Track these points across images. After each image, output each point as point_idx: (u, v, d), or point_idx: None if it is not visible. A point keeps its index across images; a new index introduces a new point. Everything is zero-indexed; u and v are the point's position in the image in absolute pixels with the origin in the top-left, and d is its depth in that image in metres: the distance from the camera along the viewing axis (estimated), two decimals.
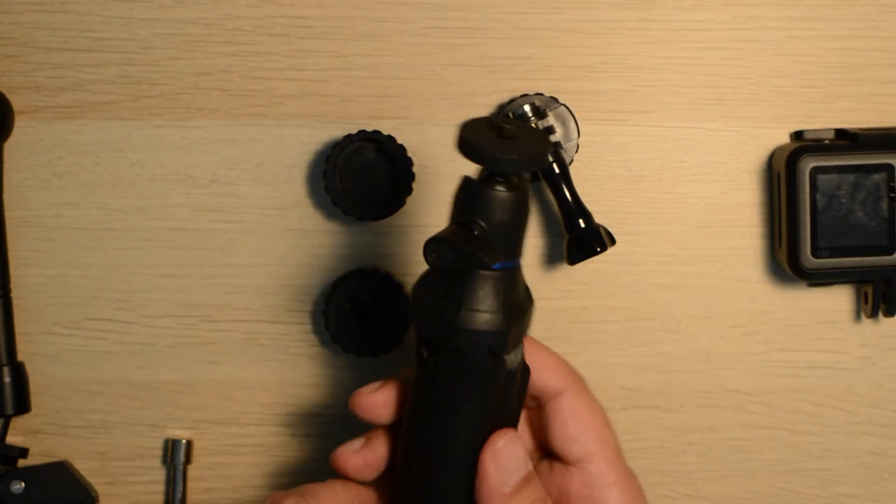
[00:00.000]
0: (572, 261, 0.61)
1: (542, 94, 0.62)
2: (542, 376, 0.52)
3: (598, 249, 0.60)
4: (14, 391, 0.61)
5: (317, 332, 0.63)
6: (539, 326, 0.62)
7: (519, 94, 0.62)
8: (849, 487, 0.64)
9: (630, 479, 0.52)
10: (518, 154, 0.45)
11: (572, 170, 0.61)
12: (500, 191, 0.46)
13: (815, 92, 0.64)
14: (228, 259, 0.63)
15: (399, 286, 0.62)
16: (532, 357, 0.51)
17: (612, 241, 0.61)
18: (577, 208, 0.61)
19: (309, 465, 0.64)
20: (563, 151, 0.61)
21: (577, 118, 0.62)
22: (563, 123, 0.62)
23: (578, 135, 0.62)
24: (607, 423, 0.53)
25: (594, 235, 0.61)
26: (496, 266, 0.46)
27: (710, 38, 0.63)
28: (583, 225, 0.61)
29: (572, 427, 0.52)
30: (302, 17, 0.63)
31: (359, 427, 0.65)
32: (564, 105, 0.62)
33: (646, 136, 0.63)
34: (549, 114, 0.62)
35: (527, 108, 0.61)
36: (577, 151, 0.62)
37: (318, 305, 0.63)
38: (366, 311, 0.61)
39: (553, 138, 0.61)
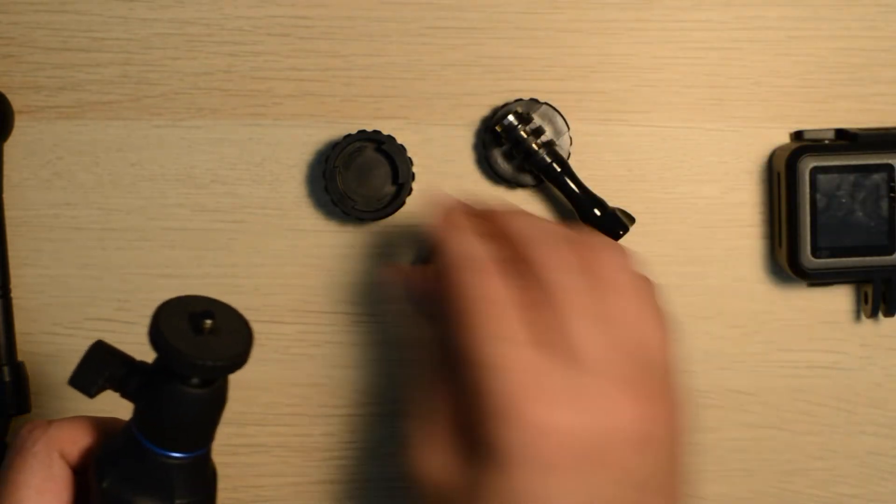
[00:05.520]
0: None
1: (521, 100, 0.62)
2: None
3: (622, 232, 0.61)
4: (14, 391, 0.61)
5: (317, 332, 0.63)
6: None
7: (519, 94, 0.62)
8: (849, 487, 0.64)
9: None
10: (217, 358, 0.44)
11: (571, 165, 0.61)
12: (193, 390, 0.45)
13: (816, 92, 0.64)
14: (228, 259, 0.63)
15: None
16: None
17: (632, 220, 0.61)
18: (588, 199, 0.61)
19: (309, 465, 0.64)
20: (557, 148, 0.61)
21: (561, 112, 0.62)
22: (551, 120, 0.62)
23: (568, 127, 0.62)
24: None
25: (614, 220, 0.61)
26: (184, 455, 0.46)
27: (710, 38, 0.63)
28: (599, 213, 0.61)
29: None
30: (302, 17, 0.63)
31: (360, 428, 0.65)
32: (546, 103, 0.62)
33: (646, 136, 0.63)
34: (534, 116, 0.62)
35: (511, 118, 0.61)
36: (571, 144, 0.62)
37: (317, 305, 0.63)
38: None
39: (544, 137, 0.61)
